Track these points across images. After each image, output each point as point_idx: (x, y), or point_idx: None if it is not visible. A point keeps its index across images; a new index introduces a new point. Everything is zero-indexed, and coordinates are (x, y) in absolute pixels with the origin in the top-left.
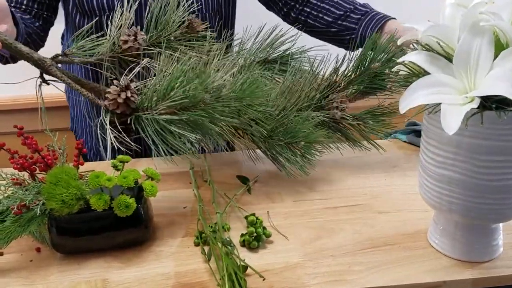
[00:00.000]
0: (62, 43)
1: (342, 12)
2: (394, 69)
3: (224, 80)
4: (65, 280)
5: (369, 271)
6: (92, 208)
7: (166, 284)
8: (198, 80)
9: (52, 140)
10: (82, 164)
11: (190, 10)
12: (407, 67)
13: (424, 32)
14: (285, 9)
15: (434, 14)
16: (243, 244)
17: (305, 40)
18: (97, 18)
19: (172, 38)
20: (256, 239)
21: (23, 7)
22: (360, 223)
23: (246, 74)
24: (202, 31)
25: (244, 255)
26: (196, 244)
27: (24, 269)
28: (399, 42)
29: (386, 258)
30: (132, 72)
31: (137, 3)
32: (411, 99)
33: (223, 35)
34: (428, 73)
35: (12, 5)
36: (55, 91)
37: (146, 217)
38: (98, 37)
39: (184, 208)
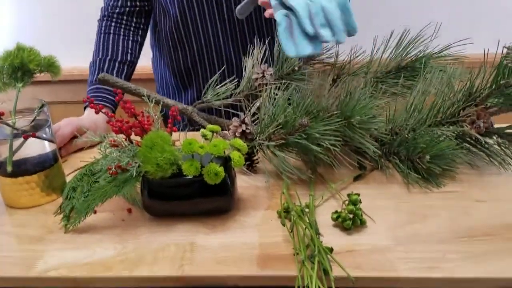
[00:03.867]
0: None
1: None
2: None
3: (331, 103)
4: (155, 240)
5: (466, 260)
6: (183, 174)
7: (251, 254)
8: (292, 106)
9: (148, 106)
10: (175, 131)
11: None
12: None
13: None
14: None
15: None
16: (335, 219)
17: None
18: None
19: (296, 68)
20: (352, 220)
21: (128, 8)
22: (456, 210)
23: (356, 92)
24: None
25: (330, 232)
26: (279, 218)
27: (117, 228)
28: None
29: (485, 249)
30: (250, 106)
31: (267, 40)
32: None
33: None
34: None
35: (117, 11)
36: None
37: (232, 186)
38: (226, 83)
39: (265, 182)
